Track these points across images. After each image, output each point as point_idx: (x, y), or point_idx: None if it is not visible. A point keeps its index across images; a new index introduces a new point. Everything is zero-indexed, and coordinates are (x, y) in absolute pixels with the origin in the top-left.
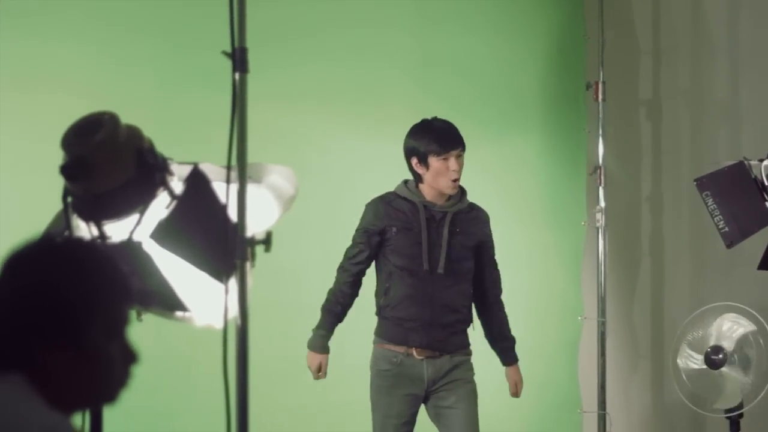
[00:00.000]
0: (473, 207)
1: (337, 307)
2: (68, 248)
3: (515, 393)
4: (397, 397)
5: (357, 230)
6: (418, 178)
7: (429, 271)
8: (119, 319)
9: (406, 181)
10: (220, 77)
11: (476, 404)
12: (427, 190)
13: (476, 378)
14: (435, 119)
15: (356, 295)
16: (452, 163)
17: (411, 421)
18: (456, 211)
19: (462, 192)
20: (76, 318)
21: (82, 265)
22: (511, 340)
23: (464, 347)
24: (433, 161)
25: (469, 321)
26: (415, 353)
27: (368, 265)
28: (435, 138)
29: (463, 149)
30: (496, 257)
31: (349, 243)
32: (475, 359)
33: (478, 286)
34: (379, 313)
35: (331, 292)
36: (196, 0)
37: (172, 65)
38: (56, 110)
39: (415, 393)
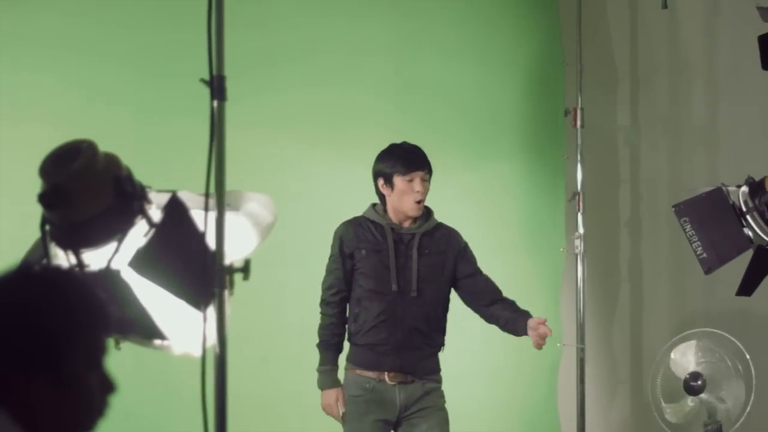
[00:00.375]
0: (441, 226)
1: (333, 339)
2: (47, 277)
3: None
4: (368, 423)
5: (330, 257)
6: (383, 201)
7: (398, 293)
8: (98, 348)
9: (374, 205)
10: (199, 105)
11: (448, 429)
12: (393, 213)
13: (454, 403)
14: (403, 143)
15: (346, 322)
16: (416, 184)
17: None
18: (423, 232)
19: (428, 212)
20: (57, 348)
21: (62, 293)
22: (518, 310)
23: (435, 372)
24: (398, 181)
25: (441, 345)
26: (387, 378)
27: (348, 291)
28: (400, 159)
29: (429, 173)
30: None
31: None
32: (453, 384)
33: (473, 294)
34: (350, 339)
35: (323, 328)
36: (174, 28)
37: (151, 93)
38: (34, 139)
39: (386, 418)
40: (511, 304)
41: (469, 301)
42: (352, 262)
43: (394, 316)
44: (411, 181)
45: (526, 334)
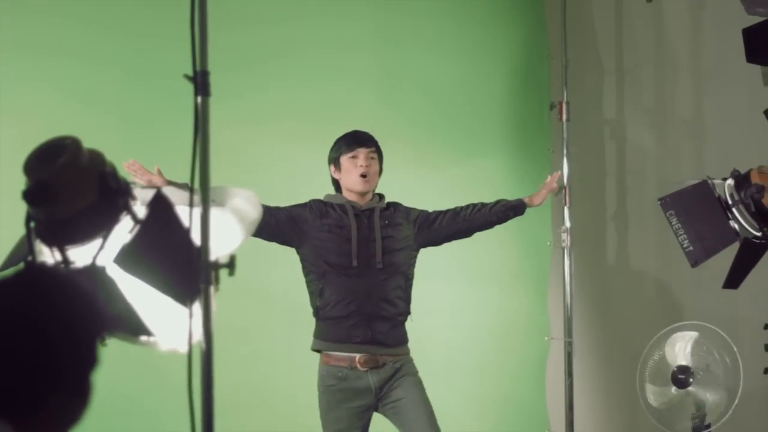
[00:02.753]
0: (390, 204)
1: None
2: (43, 282)
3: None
4: (345, 411)
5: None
6: (338, 189)
7: (361, 266)
8: (95, 347)
9: (329, 194)
10: (184, 104)
11: (424, 391)
12: (349, 196)
13: (443, 398)
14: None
15: None
16: (360, 159)
17: None
18: (382, 207)
19: (381, 196)
20: (82, 359)
21: (61, 298)
22: (501, 202)
23: (403, 342)
24: (344, 161)
25: (407, 313)
26: (358, 365)
27: (274, 225)
28: (344, 140)
29: (377, 153)
30: (464, 276)
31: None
32: (441, 379)
33: (457, 226)
34: (316, 314)
35: None
36: (158, 26)
37: (136, 92)
38: (18, 137)
39: (363, 404)
40: (476, 207)
41: (457, 231)
42: (296, 227)
43: (361, 289)
44: (355, 157)
45: (526, 207)
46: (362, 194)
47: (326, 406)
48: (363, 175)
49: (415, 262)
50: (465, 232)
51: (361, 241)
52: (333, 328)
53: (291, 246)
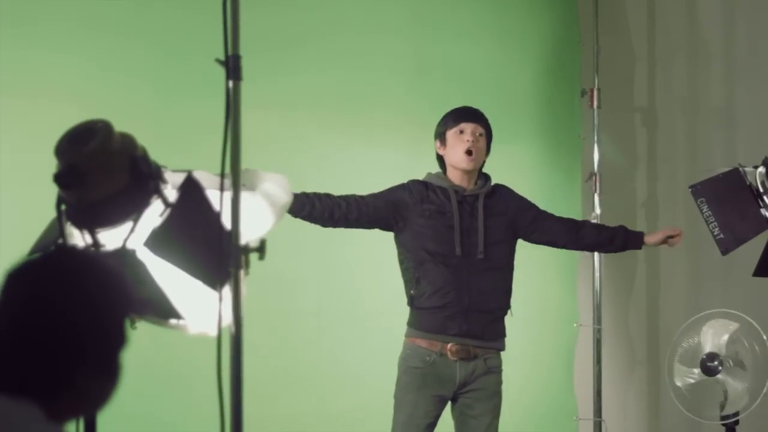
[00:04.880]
0: (497, 186)
1: (311, 196)
2: (75, 266)
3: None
4: (424, 397)
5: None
6: (442, 165)
7: (463, 256)
8: (124, 328)
9: (431, 173)
10: (215, 85)
11: (498, 417)
12: (452, 176)
13: None
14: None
15: (334, 210)
16: (467, 134)
17: (435, 423)
18: (486, 193)
19: (486, 177)
20: (109, 340)
21: (93, 280)
22: (620, 231)
23: (501, 336)
24: (450, 135)
25: (507, 307)
26: (449, 353)
27: (360, 218)
28: (451, 114)
29: (486, 129)
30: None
31: (344, 248)
32: None
33: (559, 237)
34: (411, 303)
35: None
36: (189, 8)
37: (166, 73)
38: (51, 119)
39: (443, 394)
40: (597, 227)
41: (553, 240)
42: (397, 213)
43: (461, 280)
44: (462, 132)
45: (642, 244)
46: (467, 172)
47: (405, 388)
48: (468, 152)
49: (514, 253)
50: (564, 246)
51: (463, 230)
52: (428, 318)
53: (393, 231)
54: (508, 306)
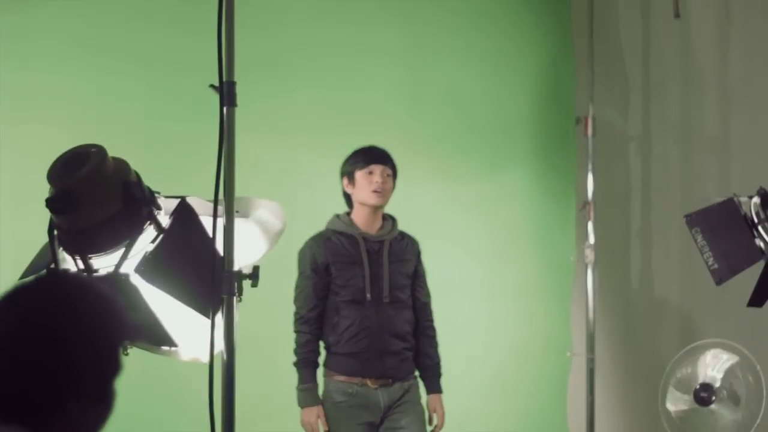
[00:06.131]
0: (404, 235)
1: (311, 357)
2: (68, 290)
3: (438, 423)
4: (354, 427)
5: (301, 275)
6: (349, 203)
7: (372, 301)
8: (119, 354)
9: (338, 215)
10: (209, 110)
11: (425, 425)
12: (359, 217)
13: (459, 413)
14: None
15: (320, 338)
16: (376, 176)
17: None
18: (391, 239)
19: (393, 221)
20: (103, 366)
21: (101, 309)
22: (435, 369)
23: (413, 372)
24: (359, 176)
25: (415, 346)
26: (369, 383)
27: (324, 306)
28: (360, 154)
29: (392, 170)
30: (486, 291)
31: None
32: (458, 392)
33: (414, 313)
34: (329, 348)
35: (302, 346)
36: (184, 32)
37: (160, 98)
38: (43, 142)
39: (371, 421)
40: (425, 355)
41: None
42: (328, 276)
43: (373, 325)
44: (371, 173)
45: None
46: (375, 210)
47: (334, 422)
48: (376, 191)
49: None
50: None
51: (373, 276)
52: (346, 361)
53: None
54: (415, 344)
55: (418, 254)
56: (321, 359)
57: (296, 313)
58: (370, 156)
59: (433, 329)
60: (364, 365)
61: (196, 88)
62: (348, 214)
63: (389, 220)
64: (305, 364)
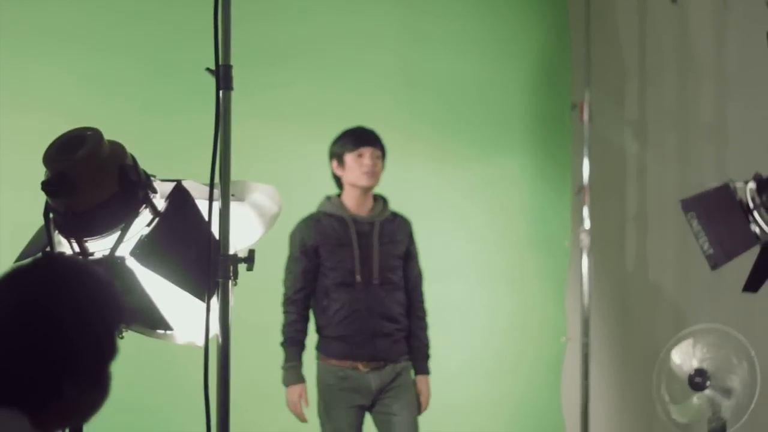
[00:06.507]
0: (396, 215)
1: (298, 336)
2: (66, 274)
3: (422, 405)
4: (344, 410)
5: (290, 257)
6: (339, 185)
7: (363, 283)
8: (115, 338)
9: (328, 197)
10: (205, 96)
11: (417, 410)
12: (349, 199)
13: (452, 397)
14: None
15: (308, 319)
16: (366, 158)
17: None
18: (382, 220)
19: (384, 201)
20: (99, 349)
21: (84, 289)
22: (423, 351)
23: (405, 353)
24: (348, 158)
25: (408, 326)
26: (360, 366)
27: (312, 288)
28: (349, 137)
29: (382, 152)
30: (481, 275)
31: None
32: (453, 379)
33: (406, 291)
34: (319, 331)
35: (288, 326)
36: (180, 21)
37: (156, 85)
38: (39, 128)
39: (362, 404)
40: (415, 337)
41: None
42: (317, 258)
43: (364, 307)
44: (360, 156)
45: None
46: (365, 190)
47: (326, 405)
48: (367, 173)
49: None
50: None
51: (363, 258)
52: (337, 345)
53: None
54: (408, 326)
55: (410, 235)
56: (312, 342)
57: (284, 294)
58: (360, 138)
59: (423, 310)
60: (354, 348)
61: (192, 77)
62: (338, 196)
63: (380, 200)
64: (291, 342)
